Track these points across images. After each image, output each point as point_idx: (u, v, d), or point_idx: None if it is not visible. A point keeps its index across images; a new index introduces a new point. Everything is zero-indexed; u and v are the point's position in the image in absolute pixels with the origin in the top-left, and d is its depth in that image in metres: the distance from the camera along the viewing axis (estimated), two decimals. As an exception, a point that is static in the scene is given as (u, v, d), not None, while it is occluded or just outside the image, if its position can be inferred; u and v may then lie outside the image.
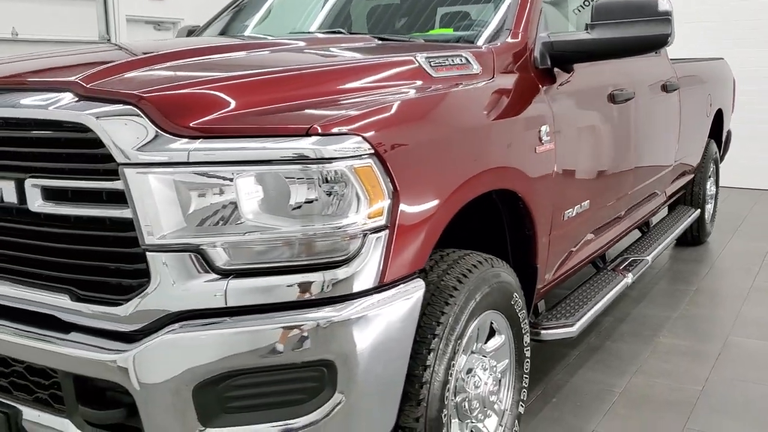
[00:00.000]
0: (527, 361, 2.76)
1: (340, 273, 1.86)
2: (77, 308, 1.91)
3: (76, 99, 1.88)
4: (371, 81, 2.21)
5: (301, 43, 2.78)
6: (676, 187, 5.12)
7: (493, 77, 2.63)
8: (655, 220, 5.17)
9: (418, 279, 2.07)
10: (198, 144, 1.78)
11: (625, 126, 3.66)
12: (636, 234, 4.91)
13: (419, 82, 2.31)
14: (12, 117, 1.94)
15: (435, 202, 2.09)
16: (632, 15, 2.83)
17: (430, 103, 2.23)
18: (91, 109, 1.82)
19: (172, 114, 1.82)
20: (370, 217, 1.88)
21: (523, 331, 2.69)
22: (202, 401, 1.83)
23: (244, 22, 3.91)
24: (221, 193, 1.79)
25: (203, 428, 1.85)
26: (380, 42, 2.84)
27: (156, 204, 1.77)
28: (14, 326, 2.02)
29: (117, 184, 1.80)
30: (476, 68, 2.58)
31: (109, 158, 1.80)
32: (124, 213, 1.81)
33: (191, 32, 4.01)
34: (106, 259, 1.88)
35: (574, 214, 3.13)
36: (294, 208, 1.81)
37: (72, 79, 1.92)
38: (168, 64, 2.16)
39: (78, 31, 8.39)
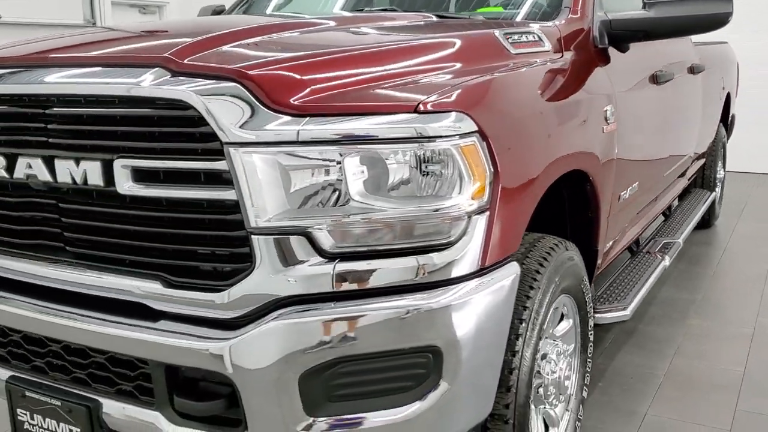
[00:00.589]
0: (591, 345, 2.73)
1: (446, 256, 1.80)
2: (170, 295, 1.83)
3: (169, 75, 1.79)
4: (460, 57, 2.13)
5: (371, 21, 2.68)
6: (693, 170, 5.13)
7: (562, 55, 2.57)
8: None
9: (514, 262, 2.02)
10: (307, 122, 1.70)
11: (666, 107, 3.64)
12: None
13: (502, 60, 2.24)
14: (99, 94, 1.84)
15: (528, 183, 2.04)
16: (691, -8, 2.79)
17: (524, 81, 2.17)
18: (190, 85, 1.73)
19: (277, 91, 1.73)
20: (473, 198, 1.81)
21: (589, 315, 2.66)
22: (307, 390, 1.76)
23: (269, 2, 3.81)
24: (328, 173, 1.71)
25: (308, 417, 1.78)
26: (441, 19, 2.76)
27: (263, 185, 1.69)
28: (96, 316, 1.93)
29: (220, 165, 1.72)
30: (547, 46, 2.52)
31: (212, 137, 1.71)
32: (226, 195, 1.73)
33: (217, 12, 3.89)
34: (203, 244, 1.80)
35: (627, 196, 3.10)
36: (401, 189, 1.74)
37: (164, 54, 1.82)
38: (253, 40, 2.06)
39: (63, 14, 8.17)
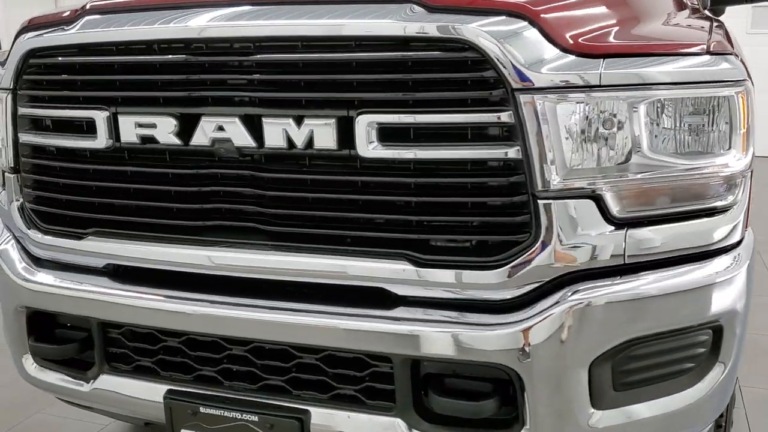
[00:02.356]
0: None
1: (728, 219, 1.61)
2: (420, 277, 1.53)
3: (427, 11, 1.49)
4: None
5: None
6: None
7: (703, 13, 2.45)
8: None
9: (750, 230, 1.86)
10: (608, 64, 1.46)
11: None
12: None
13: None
14: (334, 35, 1.51)
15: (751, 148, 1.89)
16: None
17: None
18: (478, 23, 1.45)
19: (567, 29, 1.49)
20: (744, 155, 1.64)
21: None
22: (596, 379, 1.53)
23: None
24: (623, 124, 1.48)
25: (595, 410, 1.54)
26: None
27: (555, 138, 1.45)
28: (310, 308, 1.60)
29: (501, 116, 1.44)
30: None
31: (495, 83, 1.44)
32: (506, 152, 1.46)
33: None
34: (467, 213, 1.52)
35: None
36: (694, 141, 1.54)
37: None
38: None
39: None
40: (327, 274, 1.59)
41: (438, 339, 1.51)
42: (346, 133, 1.52)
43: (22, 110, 1.79)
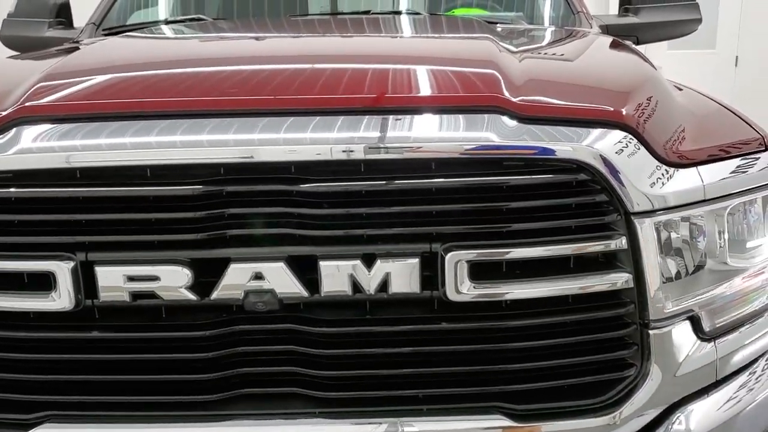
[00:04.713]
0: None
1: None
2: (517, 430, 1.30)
3: (519, 121, 1.24)
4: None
5: None
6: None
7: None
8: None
9: None
10: (707, 173, 1.33)
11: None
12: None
13: None
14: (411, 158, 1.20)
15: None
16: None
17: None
18: (577, 137, 1.22)
19: (663, 138, 1.33)
20: None
21: None
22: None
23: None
24: (719, 234, 1.37)
25: None
26: None
27: (672, 262, 1.30)
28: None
29: (614, 243, 1.25)
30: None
31: (606, 208, 1.24)
32: (614, 282, 1.27)
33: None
34: (569, 353, 1.30)
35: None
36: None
37: (495, 93, 1.26)
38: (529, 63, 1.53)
39: None
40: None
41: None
42: (429, 273, 1.22)
43: None
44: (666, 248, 1.28)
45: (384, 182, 1.21)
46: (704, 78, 6.88)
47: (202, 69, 1.54)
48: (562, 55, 1.84)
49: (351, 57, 1.68)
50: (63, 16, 2.93)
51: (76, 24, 2.93)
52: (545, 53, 1.87)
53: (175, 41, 2.12)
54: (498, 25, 2.30)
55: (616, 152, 1.23)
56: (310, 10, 2.74)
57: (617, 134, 1.25)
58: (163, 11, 3.05)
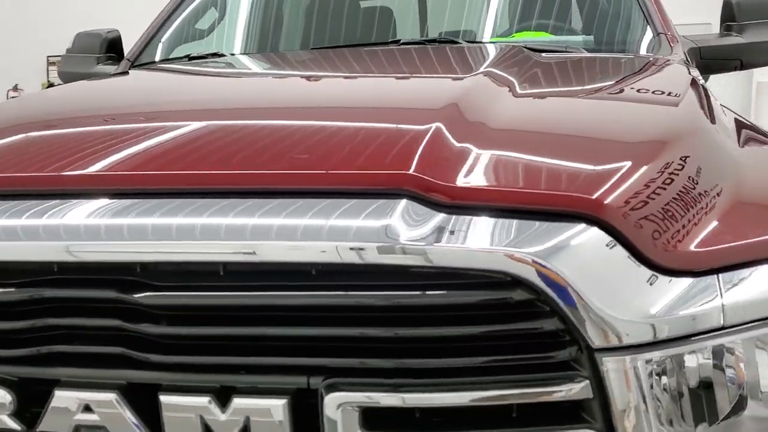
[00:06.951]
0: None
1: None
2: None
3: (431, 208, 0.89)
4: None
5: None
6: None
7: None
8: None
9: None
10: (730, 285, 0.91)
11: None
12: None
13: None
14: (296, 261, 0.88)
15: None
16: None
17: None
18: (517, 238, 0.85)
19: (653, 236, 0.91)
20: None
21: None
22: None
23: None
24: (742, 373, 0.93)
25: None
26: None
27: (652, 411, 0.88)
28: None
29: (573, 389, 0.86)
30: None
31: (560, 340, 0.85)
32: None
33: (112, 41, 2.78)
34: None
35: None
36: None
37: (410, 171, 0.92)
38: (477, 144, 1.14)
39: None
40: None
41: None
42: (305, 418, 0.89)
43: None
44: (650, 395, 0.87)
45: (247, 294, 0.90)
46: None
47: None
48: (570, 99, 1.43)
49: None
50: (114, 50, 2.84)
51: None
52: (551, 95, 1.47)
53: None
54: (545, 53, 1.91)
55: (568, 257, 0.84)
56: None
57: (577, 229, 0.87)
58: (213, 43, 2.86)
